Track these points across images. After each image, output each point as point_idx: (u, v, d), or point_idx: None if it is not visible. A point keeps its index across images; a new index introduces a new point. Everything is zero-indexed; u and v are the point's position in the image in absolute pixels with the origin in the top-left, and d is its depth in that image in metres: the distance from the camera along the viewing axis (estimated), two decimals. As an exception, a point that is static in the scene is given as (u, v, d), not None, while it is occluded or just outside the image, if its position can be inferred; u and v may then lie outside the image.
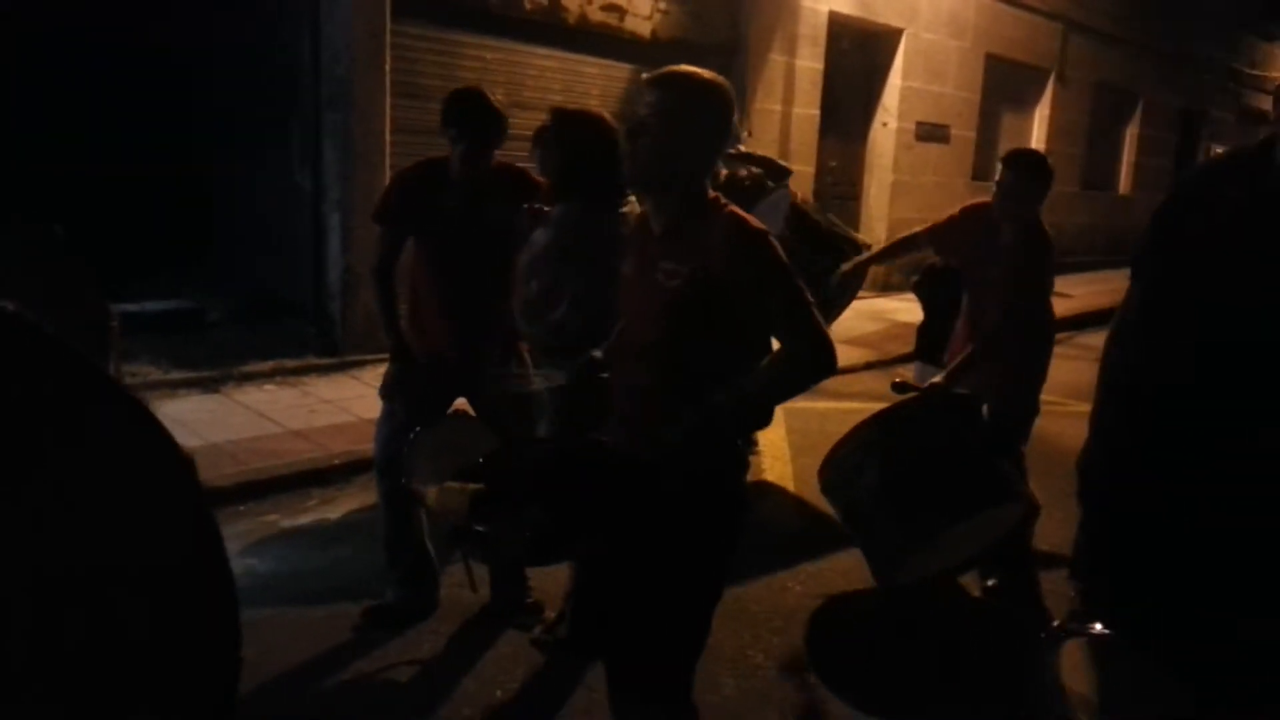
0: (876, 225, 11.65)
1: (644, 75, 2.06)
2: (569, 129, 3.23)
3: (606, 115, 3.33)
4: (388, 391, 3.57)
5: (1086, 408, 2.70)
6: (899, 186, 11.66)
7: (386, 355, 6.85)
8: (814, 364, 2.01)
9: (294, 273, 7.15)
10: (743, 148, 5.70)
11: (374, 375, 6.56)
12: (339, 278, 6.85)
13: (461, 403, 3.64)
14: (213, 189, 7.96)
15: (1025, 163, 3.84)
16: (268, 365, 6.50)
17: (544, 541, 2.03)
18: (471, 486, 2.03)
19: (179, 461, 1.44)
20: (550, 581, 3.57)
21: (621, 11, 8.30)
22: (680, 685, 2.18)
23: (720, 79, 2.05)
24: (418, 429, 3.38)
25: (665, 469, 2.02)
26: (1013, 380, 3.85)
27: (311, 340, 6.91)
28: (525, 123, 7.74)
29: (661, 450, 2.00)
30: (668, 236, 2.08)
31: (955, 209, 4.18)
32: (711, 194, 2.08)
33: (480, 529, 2.01)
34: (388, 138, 6.83)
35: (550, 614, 3.53)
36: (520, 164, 3.61)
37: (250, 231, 7.70)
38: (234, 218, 7.87)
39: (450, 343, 3.48)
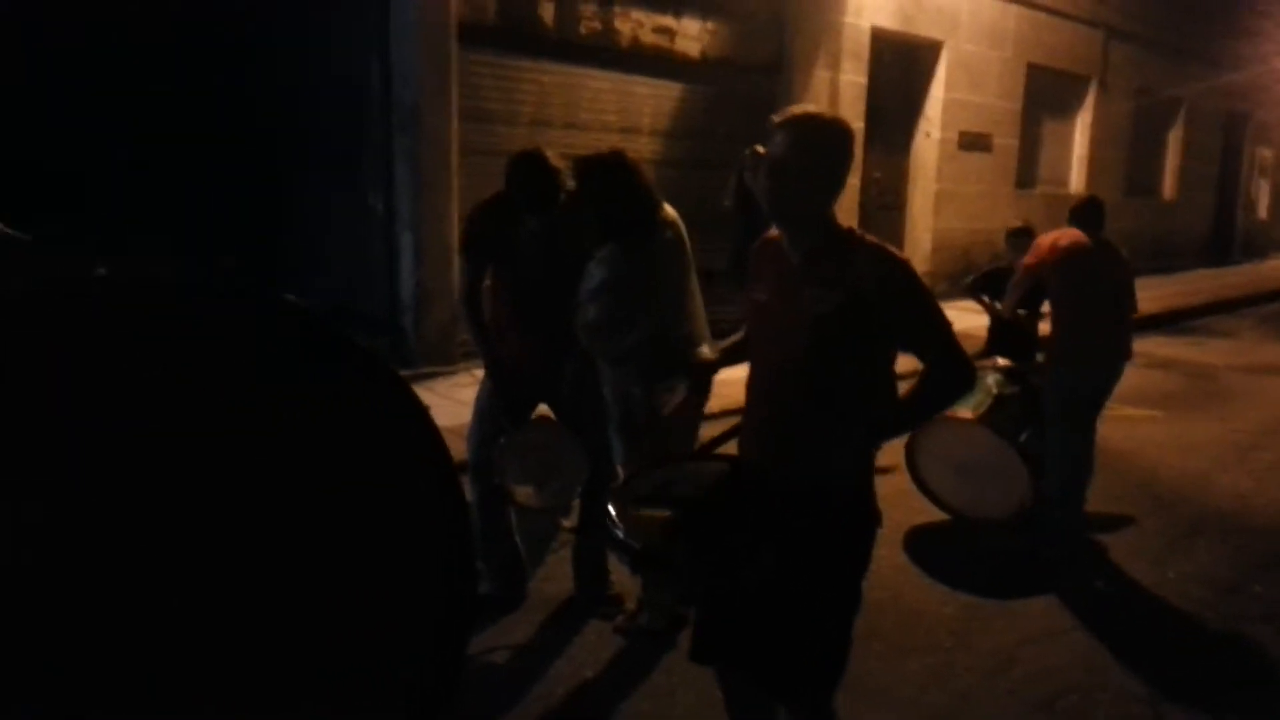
0: (921, 235, 11.85)
1: (773, 118, 2.22)
2: (592, 181, 3.51)
3: (625, 155, 3.58)
4: (483, 401, 3.87)
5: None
6: (943, 196, 11.85)
7: (456, 367, 7.25)
8: (962, 380, 2.24)
9: (367, 290, 7.52)
10: None
11: (446, 386, 6.91)
12: (412, 293, 7.21)
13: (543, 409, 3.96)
14: (289, 211, 8.37)
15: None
16: (345, 377, 6.85)
17: (734, 568, 2.11)
18: (660, 513, 2.14)
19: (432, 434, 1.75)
20: (629, 574, 3.86)
21: (672, 33, 8.61)
22: (833, 693, 2.37)
23: (840, 117, 2.25)
24: (506, 434, 3.71)
25: (826, 488, 2.18)
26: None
27: (385, 354, 7.27)
28: (581, 142, 8.17)
29: (832, 472, 2.16)
30: (810, 264, 2.21)
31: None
32: (845, 224, 2.26)
33: (674, 557, 2.09)
34: (455, 160, 7.18)
35: (630, 605, 3.82)
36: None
37: (324, 251, 8.09)
38: (309, 239, 8.26)
39: (530, 356, 3.79)
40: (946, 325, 2.22)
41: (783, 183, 2.18)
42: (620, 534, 2.16)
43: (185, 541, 1.57)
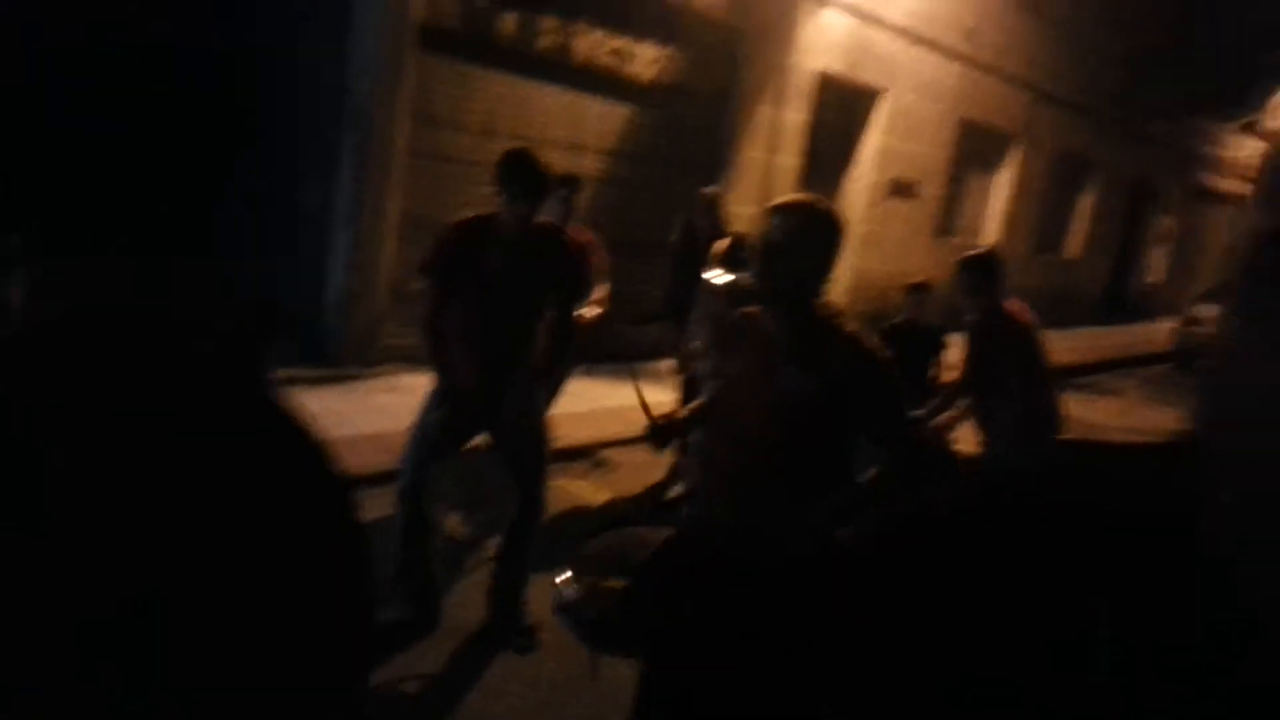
0: (842, 272, 12.20)
1: (770, 204, 2.35)
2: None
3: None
4: (425, 425, 3.84)
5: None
6: (868, 238, 12.22)
7: (376, 371, 7.15)
8: (920, 474, 2.33)
9: (292, 286, 7.32)
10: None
11: (364, 390, 6.81)
12: (340, 292, 7.12)
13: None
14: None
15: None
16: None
17: (688, 639, 2.20)
18: (616, 583, 2.24)
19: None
20: (544, 607, 3.97)
21: (627, 56, 8.72)
22: None
23: (834, 207, 2.36)
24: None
25: (780, 562, 2.23)
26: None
27: (304, 352, 7.14)
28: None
29: (796, 546, 2.24)
30: (792, 344, 2.30)
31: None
32: (827, 308, 2.36)
33: (630, 629, 2.19)
34: (401, 161, 7.14)
35: (544, 635, 3.91)
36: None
37: (248, 242, 7.85)
38: (232, 227, 8.04)
39: (476, 380, 3.77)
40: (910, 419, 2.40)
41: (775, 264, 2.30)
42: (571, 600, 2.27)
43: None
